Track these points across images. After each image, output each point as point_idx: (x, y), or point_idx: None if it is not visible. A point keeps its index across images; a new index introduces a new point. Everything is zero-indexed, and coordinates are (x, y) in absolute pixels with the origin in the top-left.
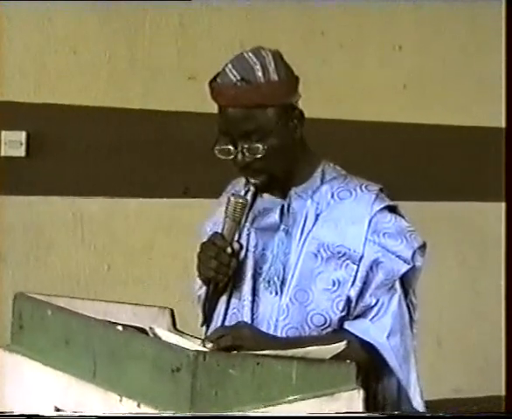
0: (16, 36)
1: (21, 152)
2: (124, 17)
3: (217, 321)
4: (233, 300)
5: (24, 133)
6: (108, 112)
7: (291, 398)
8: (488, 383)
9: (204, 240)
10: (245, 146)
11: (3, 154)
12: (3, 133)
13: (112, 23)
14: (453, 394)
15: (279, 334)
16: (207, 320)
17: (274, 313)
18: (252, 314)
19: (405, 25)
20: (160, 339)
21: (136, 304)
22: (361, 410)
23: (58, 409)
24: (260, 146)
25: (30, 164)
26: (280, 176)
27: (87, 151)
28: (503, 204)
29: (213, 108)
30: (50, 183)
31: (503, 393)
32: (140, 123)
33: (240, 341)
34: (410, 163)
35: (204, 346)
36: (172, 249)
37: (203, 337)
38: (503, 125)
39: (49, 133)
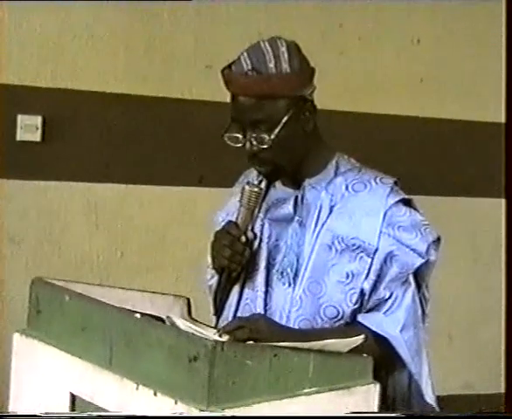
0: (33, 21)
1: (37, 136)
2: (142, 5)
3: (229, 312)
4: (246, 291)
5: (40, 118)
6: (125, 98)
7: (307, 390)
8: (499, 380)
9: (218, 229)
10: (254, 135)
11: (18, 138)
12: (19, 117)
13: (130, 10)
14: (464, 389)
15: (291, 326)
16: (218, 311)
17: (287, 305)
18: (265, 305)
19: (424, 19)
20: (177, 327)
21: (153, 292)
22: (376, 404)
23: (73, 396)
24: (267, 136)
25: (45, 149)
26: (288, 167)
27: (103, 137)
28: (503, 200)
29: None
30: (65, 169)
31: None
32: (156, 111)
33: (257, 334)
34: (425, 157)
35: (221, 337)
36: (186, 237)
37: (214, 326)
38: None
39: (65, 118)
